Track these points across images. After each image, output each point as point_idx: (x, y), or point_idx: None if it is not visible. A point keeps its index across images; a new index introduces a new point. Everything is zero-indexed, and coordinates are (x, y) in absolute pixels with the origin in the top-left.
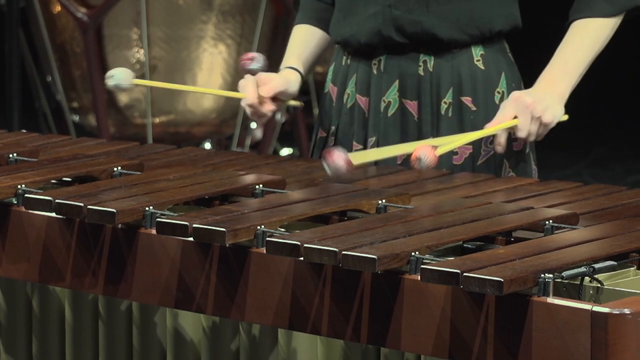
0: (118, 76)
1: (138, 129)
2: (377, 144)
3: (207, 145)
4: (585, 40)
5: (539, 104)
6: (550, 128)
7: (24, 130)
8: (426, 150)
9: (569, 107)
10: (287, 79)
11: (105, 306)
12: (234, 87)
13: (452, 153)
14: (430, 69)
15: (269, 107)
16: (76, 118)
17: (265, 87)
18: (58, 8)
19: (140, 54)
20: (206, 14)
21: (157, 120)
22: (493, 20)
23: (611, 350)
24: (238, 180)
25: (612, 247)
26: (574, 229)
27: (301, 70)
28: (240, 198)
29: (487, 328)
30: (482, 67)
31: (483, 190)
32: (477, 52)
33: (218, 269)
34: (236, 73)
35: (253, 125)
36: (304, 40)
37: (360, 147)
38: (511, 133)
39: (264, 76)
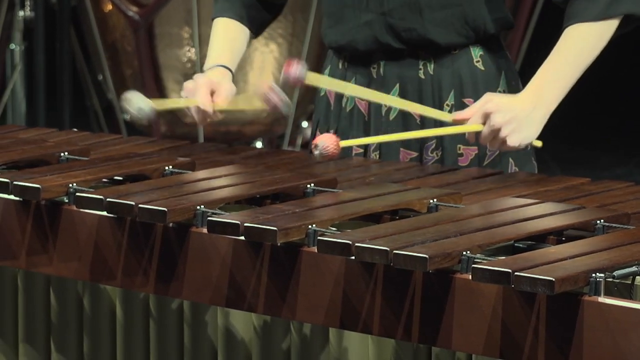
0: (139, 103)
1: (189, 127)
2: (380, 147)
3: (259, 144)
4: (576, 46)
5: (508, 126)
6: (513, 149)
7: (75, 129)
8: (328, 139)
9: (620, 108)
10: (232, 83)
11: (156, 305)
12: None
13: (457, 154)
14: (431, 72)
15: (219, 116)
16: (127, 117)
17: (221, 98)
18: (109, 7)
19: (191, 52)
20: None
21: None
22: (486, 23)
23: None
24: (289, 179)
25: None
26: (626, 228)
27: (233, 70)
28: (291, 197)
29: (538, 327)
30: (482, 68)
31: (534, 190)
32: (476, 53)
33: (269, 268)
34: None
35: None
36: (234, 37)
37: (361, 151)
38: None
39: (217, 83)
